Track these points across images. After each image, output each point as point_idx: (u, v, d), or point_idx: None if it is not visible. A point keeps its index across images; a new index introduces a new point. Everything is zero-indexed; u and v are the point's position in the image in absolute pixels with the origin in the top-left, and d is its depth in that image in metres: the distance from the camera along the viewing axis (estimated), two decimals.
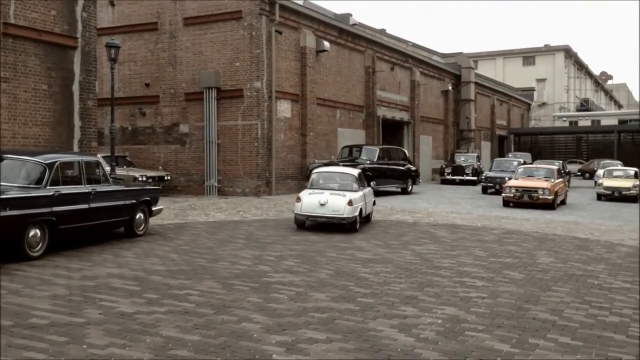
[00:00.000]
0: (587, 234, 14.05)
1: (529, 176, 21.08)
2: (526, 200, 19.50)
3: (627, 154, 44.27)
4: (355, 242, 11.81)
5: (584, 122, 58.95)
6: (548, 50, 68.54)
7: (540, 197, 19.29)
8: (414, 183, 25.37)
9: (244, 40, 21.69)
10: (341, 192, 13.52)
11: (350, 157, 23.62)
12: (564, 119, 60.74)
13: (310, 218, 13.52)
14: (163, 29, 23.23)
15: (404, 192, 24.95)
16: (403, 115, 32.96)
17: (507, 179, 22.98)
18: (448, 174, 32.27)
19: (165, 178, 21.16)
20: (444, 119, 38.88)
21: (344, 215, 13.08)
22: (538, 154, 46.90)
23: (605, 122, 58.41)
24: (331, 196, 13.33)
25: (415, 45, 41.14)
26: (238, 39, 21.80)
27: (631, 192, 22.97)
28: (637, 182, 23.55)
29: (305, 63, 23.93)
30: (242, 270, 8.91)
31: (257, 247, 11.02)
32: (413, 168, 25.69)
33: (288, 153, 23.23)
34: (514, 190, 19.72)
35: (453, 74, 39.92)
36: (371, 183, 19.05)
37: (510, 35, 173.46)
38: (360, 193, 13.96)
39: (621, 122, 56.59)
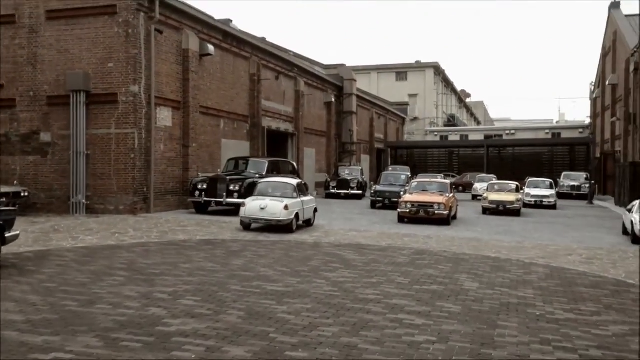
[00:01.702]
0: (495, 252, 13.47)
1: (423, 190, 20.60)
2: (422, 215, 18.91)
3: (494, 168, 46.27)
4: (259, 270, 10.23)
5: (454, 137, 61.36)
6: (419, 66, 70.85)
7: (436, 212, 18.78)
8: None
9: (119, 39, 19.35)
10: (280, 199, 16.01)
11: (236, 170, 21.94)
12: (436, 133, 62.85)
13: (253, 220, 15.92)
14: (22, 22, 20.24)
15: None
16: (288, 127, 31.77)
17: (401, 193, 22.46)
18: (333, 187, 31.46)
19: (22, 194, 18.27)
20: (327, 131, 38.23)
21: (281, 218, 15.57)
22: (414, 168, 47.74)
23: (472, 137, 61.14)
24: (271, 202, 15.79)
25: (297, 55, 40.20)
26: (112, 36, 19.41)
27: (514, 205, 23.30)
28: (520, 196, 23.99)
29: (187, 67, 21.94)
30: (128, 316, 7.04)
31: (143, 280, 9.10)
32: (303, 182, 24.40)
33: (168, 166, 21.07)
34: (409, 206, 19.06)
35: (335, 86, 39.44)
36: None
37: (381, 51, 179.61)
38: (297, 200, 16.45)
39: (487, 137, 59.46)
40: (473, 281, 9.93)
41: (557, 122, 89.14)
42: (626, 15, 43.09)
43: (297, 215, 16.15)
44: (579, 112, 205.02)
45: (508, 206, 23.22)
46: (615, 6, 44.49)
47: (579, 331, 7.05)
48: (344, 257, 11.97)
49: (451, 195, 20.25)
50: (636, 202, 17.15)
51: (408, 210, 19.05)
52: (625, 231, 17.52)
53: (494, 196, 23.73)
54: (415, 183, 21.44)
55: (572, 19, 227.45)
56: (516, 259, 12.56)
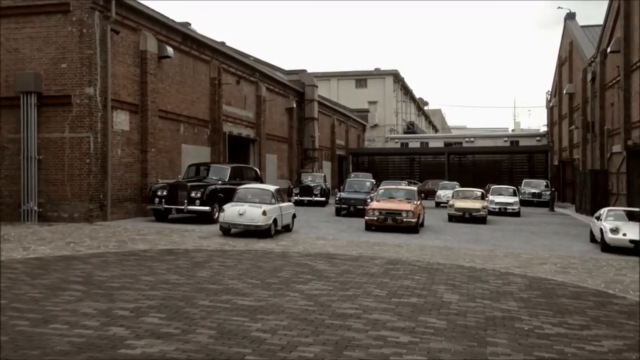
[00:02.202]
0: (468, 261, 13.13)
1: (390, 198, 20.22)
2: (390, 223, 18.51)
3: (455, 175, 46.47)
4: (227, 283, 9.58)
5: (414, 144, 61.55)
6: (379, 74, 70.95)
7: (405, 219, 18.40)
8: None
9: (72, 38, 18.40)
10: (258, 204, 16.28)
11: (197, 176, 21.13)
12: (396, 140, 62.97)
13: (231, 225, 16.14)
14: None
15: None
16: (249, 132, 31.07)
17: (367, 200, 22.05)
18: (296, 194, 30.85)
19: None
20: (289, 137, 37.66)
21: (259, 223, 15.82)
22: (375, 174, 47.59)
23: (432, 144, 61.47)
24: (249, 207, 16.06)
25: (257, 60, 39.57)
26: (65, 36, 18.44)
27: (480, 213, 23.16)
28: (485, 204, 23.89)
29: (145, 69, 21.08)
30: (86, 337, 6.32)
31: (102, 295, 8.35)
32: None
33: (126, 171, 20.14)
34: (377, 213, 18.63)
35: (297, 92, 38.94)
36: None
37: (341, 58, 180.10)
38: (276, 206, 16.77)
39: (446, 144, 59.88)
40: (452, 293, 9.51)
41: (512, 130, 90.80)
42: (582, 26, 43.97)
43: (275, 220, 16.42)
44: (534, 120, 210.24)
45: (474, 213, 23.06)
46: (570, 17, 45.34)
47: (572, 347, 6.67)
48: (315, 268, 11.42)
49: (419, 202, 19.93)
50: (604, 210, 17.16)
51: (376, 218, 18.62)
52: (593, 239, 17.49)
53: (460, 203, 23.55)
54: (382, 190, 21.05)
55: (527, 29, 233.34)
56: (491, 268, 12.23)
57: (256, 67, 31.82)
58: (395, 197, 20.34)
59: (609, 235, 15.22)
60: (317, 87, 41.50)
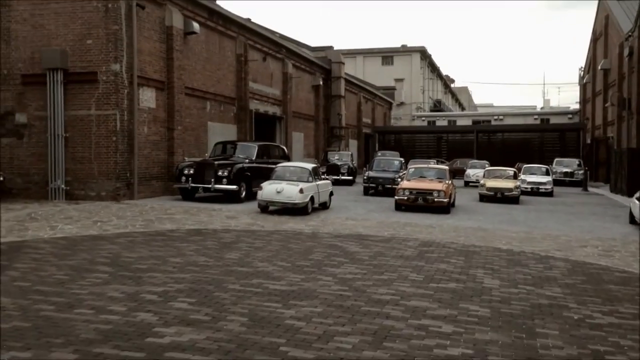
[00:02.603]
0: (505, 244, 12.63)
1: (420, 177, 19.70)
2: (421, 203, 18.03)
3: (484, 153, 45.62)
4: (257, 266, 9.25)
5: (441, 122, 60.59)
6: (405, 50, 69.68)
7: (436, 199, 17.91)
8: None
9: (98, 14, 18.09)
10: (295, 182, 16.63)
11: (224, 154, 20.83)
12: (423, 118, 62.04)
13: (269, 203, 16.49)
14: None
15: None
16: (275, 110, 30.66)
17: (396, 179, 21.56)
18: (323, 173, 30.38)
19: None
20: (315, 115, 37.16)
21: (296, 201, 16.13)
22: (402, 153, 46.95)
23: (460, 122, 60.43)
24: (286, 185, 16.39)
25: (283, 37, 38.97)
26: (90, 11, 18.15)
27: (513, 193, 22.52)
28: (518, 183, 23.21)
29: (171, 46, 20.73)
30: (113, 323, 6.04)
31: (129, 278, 8.09)
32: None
33: (153, 149, 19.93)
34: (407, 193, 18.16)
35: (323, 69, 38.33)
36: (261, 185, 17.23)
37: (366, 35, 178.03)
38: (313, 184, 17.09)
39: (475, 122, 58.80)
40: (492, 278, 9.06)
41: (542, 108, 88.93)
42: (618, 0, 42.40)
43: (312, 198, 16.76)
44: (564, 98, 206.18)
45: (506, 193, 22.43)
46: None
47: (629, 339, 6.20)
48: (347, 250, 11.04)
49: (450, 182, 19.39)
50: None
51: (406, 198, 18.15)
52: (633, 220, 16.80)
53: (492, 183, 22.92)
54: (413, 169, 20.52)
55: (556, 4, 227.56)
56: (530, 251, 11.72)
57: (282, 44, 31.27)
58: (426, 176, 19.81)
59: None
60: (343, 64, 40.82)
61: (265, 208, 16.73)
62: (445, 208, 18.12)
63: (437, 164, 29.24)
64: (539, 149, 48.49)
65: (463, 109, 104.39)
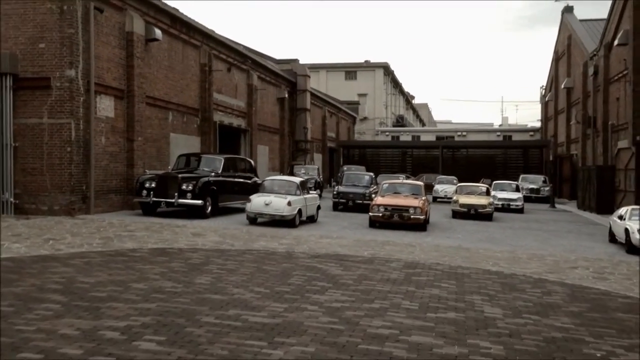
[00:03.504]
0: (493, 265, 11.91)
1: (395, 193, 18.93)
2: (396, 220, 17.25)
3: (448, 169, 45.43)
4: (232, 291, 8.22)
5: (405, 137, 60.36)
6: (369, 66, 69.57)
7: (412, 216, 17.16)
8: None
9: (52, 16, 16.83)
10: (283, 195, 17.01)
11: (188, 167, 19.66)
12: (387, 133, 61.74)
13: (257, 215, 16.94)
14: None
15: None
16: (240, 122, 29.59)
17: (366, 194, 20.76)
18: None
19: None
20: (280, 128, 36.20)
21: (284, 213, 16.53)
22: (367, 168, 46.36)
23: (424, 137, 60.32)
24: (275, 198, 16.80)
25: (247, 48, 37.97)
26: (44, 13, 16.87)
27: (487, 209, 21.99)
28: (491, 200, 22.70)
29: (132, 52, 19.53)
30: None
31: (86, 309, 6.94)
32: (259, 181, 22.35)
33: (111, 161, 18.63)
34: (382, 209, 17.35)
35: (289, 81, 37.47)
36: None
37: (329, 50, 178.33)
38: (301, 197, 17.54)
39: (438, 138, 58.75)
40: (491, 305, 8.25)
41: (500, 125, 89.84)
42: (580, 20, 42.97)
43: (299, 211, 17.10)
44: (521, 116, 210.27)
45: (480, 210, 21.89)
46: (568, 10, 44.33)
47: None
48: (328, 272, 10.09)
49: (425, 198, 18.68)
50: (626, 209, 15.99)
51: (381, 215, 17.34)
52: (612, 239, 16.37)
53: (465, 199, 22.34)
54: (387, 185, 19.73)
55: (511, 25, 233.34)
56: (521, 273, 11.00)
57: (247, 55, 30.29)
58: (400, 192, 19.07)
59: (637, 237, 14.05)
60: (309, 77, 40.11)
61: (254, 220, 17.12)
62: (421, 225, 17.39)
63: (408, 179, 28.62)
64: (503, 165, 48.59)
65: (424, 124, 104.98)
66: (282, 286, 8.77)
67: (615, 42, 27.91)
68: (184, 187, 17.40)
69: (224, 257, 11.20)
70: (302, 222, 17.60)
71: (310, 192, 19.69)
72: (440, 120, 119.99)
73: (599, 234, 18.74)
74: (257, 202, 16.91)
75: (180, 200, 17.36)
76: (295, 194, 17.39)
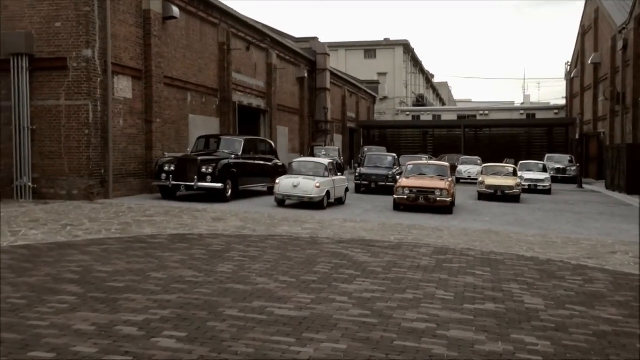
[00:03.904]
0: (526, 250, 11.35)
1: (420, 174, 18.37)
2: (422, 202, 16.71)
3: (471, 149, 44.64)
4: (255, 281, 7.79)
5: (426, 117, 59.45)
6: (388, 44, 68.36)
7: (438, 199, 16.60)
8: None
9: None
10: (312, 177, 17.01)
11: (207, 150, 19.27)
12: (407, 113, 60.86)
13: (286, 197, 16.95)
14: None
15: (271, 191, 21.10)
16: (260, 103, 29.11)
17: (389, 176, 20.22)
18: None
19: None
20: (300, 109, 35.66)
21: (312, 195, 16.52)
22: (388, 148, 45.70)
23: (445, 117, 59.38)
24: (303, 180, 16.78)
25: (265, 26, 37.31)
26: None
27: (514, 191, 21.33)
28: (518, 181, 22.01)
29: (149, 31, 19.08)
30: None
31: (102, 302, 6.57)
32: (280, 163, 21.94)
33: (129, 144, 18.30)
34: (407, 192, 16.82)
35: (308, 60, 36.83)
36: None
37: (346, 28, 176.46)
38: (329, 179, 17.44)
39: (460, 117, 57.79)
40: (531, 295, 7.73)
41: (522, 104, 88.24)
42: None
43: (328, 193, 17.06)
44: (544, 93, 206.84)
45: (507, 191, 21.23)
46: None
47: None
48: (355, 259, 9.63)
49: (451, 179, 18.10)
50: None
51: (406, 197, 16.81)
52: None
53: (492, 180, 21.69)
54: (411, 166, 19.16)
55: (532, 3, 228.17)
56: (558, 259, 10.44)
57: (266, 33, 29.68)
58: (425, 173, 18.50)
59: None
60: (329, 55, 39.42)
61: (282, 202, 17.13)
62: (447, 208, 16.83)
63: (430, 160, 27.98)
64: (527, 144, 47.69)
65: (444, 104, 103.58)
66: (308, 274, 8.33)
67: None
68: (203, 170, 17.01)
69: (246, 243, 10.78)
70: (329, 204, 17.55)
71: (339, 174, 19.52)
72: (460, 99, 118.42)
73: (632, 216, 18.05)
74: (286, 183, 16.86)
75: (200, 184, 16.99)
76: (324, 176, 17.32)
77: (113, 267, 8.31)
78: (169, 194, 17.67)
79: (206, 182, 17.00)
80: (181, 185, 17.22)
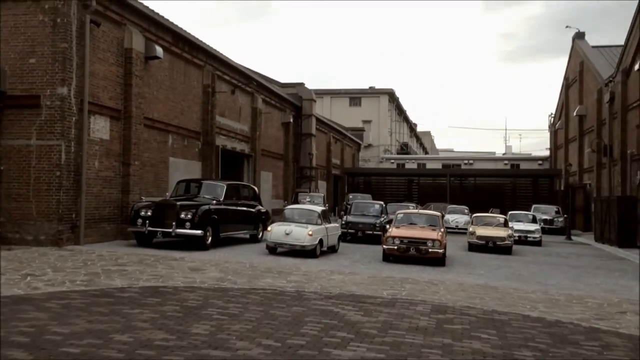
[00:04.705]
0: (530, 308, 10.46)
1: (410, 224, 17.55)
2: (413, 253, 15.83)
3: (456, 198, 44.10)
4: (235, 346, 6.77)
5: (411, 165, 59.13)
6: (373, 92, 68.67)
7: (430, 250, 15.74)
8: (264, 228, 20.63)
9: (44, 29, 15.69)
10: (304, 225, 16.55)
11: (188, 194, 18.33)
12: (392, 161, 60.53)
13: (277, 245, 16.46)
14: None
15: (254, 239, 20.14)
16: (244, 147, 28.34)
17: (377, 225, 19.36)
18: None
19: None
20: (284, 154, 34.95)
21: (305, 244, 16.09)
22: (373, 196, 44.98)
23: (429, 165, 59.11)
24: (295, 227, 16.36)
25: (250, 70, 36.90)
26: (35, 25, 15.72)
27: (506, 242, 20.56)
28: (510, 232, 21.27)
29: (130, 70, 18.35)
30: None
31: None
32: (263, 210, 21.02)
33: (104, 187, 17.30)
34: (398, 242, 15.95)
35: (294, 105, 36.34)
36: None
37: (330, 76, 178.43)
38: (322, 227, 16.99)
39: (445, 166, 57.54)
40: None
41: (504, 154, 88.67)
42: (592, 47, 42.05)
43: (320, 241, 16.59)
44: (524, 144, 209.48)
45: (499, 242, 20.46)
46: (580, 36, 43.44)
47: None
48: (347, 319, 8.65)
49: (443, 229, 17.28)
50: None
51: (396, 247, 15.93)
52: None
53: (482, 231, 20.93)
54: (401, 215, 18.33)
55: (514, 52, 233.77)
56: (567, 320, 9.55)
57: (252, 76, 29.16)
58: (416, 222, 17.69)
59: None
60: (315, 101, 39.04)
61: (274, 250, 16.65)
62: (440, 260, 15.97)
63: (416, 208, 27.24)
64: (512, 194, 47.33)
65: (427, 153, 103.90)
66: (295, 337, 7.34)
67: (636, 67, 26.78)
68: (182, 215, 16.04)
69: (226, 297, 9.76)
70: (323, 252, 17.14)
71: (331, 222, 18.85)
72: (443, 148, 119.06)
73: (630, 271, 17.32)
74: (277, 231, 16.45)
75: (179, 230, 15.99)
76: (317, 224, 16.90)
77: (71, 327, 7.24)
78: (144, 240, 16.61)
79: (185, 228, 16.01)
80: (158, 231, 16.20)
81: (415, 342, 7.47)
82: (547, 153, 57.72)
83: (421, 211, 20.76)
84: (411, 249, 15.82)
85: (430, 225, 17.26)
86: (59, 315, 7.84)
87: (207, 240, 16.52)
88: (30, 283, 10.21)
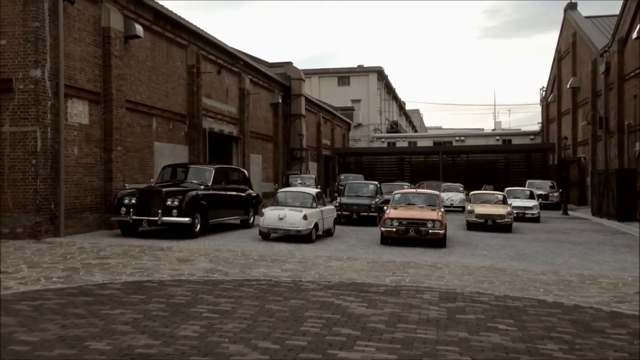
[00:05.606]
0: (543, 292, 9.78)
1: (408, 204, 16.80)
2: (412, 235, 15.11)
3: (449, 175, 43.50)
4: (227, 350, 6.00)
5: (402, 143, 58.33)
6: (362, 71, 67.64)
7: (431, 231, 15.03)
8: (255, 213, 19.83)
9: (14, 8, 14.64)
10: (298, 208, 15.78)
11: (174, 180, 17.46)
12: (382, 140, 59.71)
13: (271, 230, 15.72)
14: None
15: (245, 224, 19.34)
16: (232, 129, 27.40)
17: (372, 206, 18.59)
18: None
19: None
20: (274, 136, 34.01)
21: (300, 228, 15.37)
22: (365, 176, 44.26)
23: (421, 143, 58.32)
24: (289, 212, 15.60)
25: (237, 50, 35.78)
26: (4, 4, 14.69)
27: (505, 220, 19.90)
28: (509, 209, 20.58)
29: (109, 50, 17.33)
30: None
31: None
32: (254, 194, 20.19)
33: (85, 175, 16.38)
34: (396, 223, 15.21)
35: (282, 86, 35.34)
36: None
37: (318, 56, 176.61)
38: (317, 210, 16.24)
39: (436, 143, 56.77)
40: (577, 358, 6.11)
41: (493, 130, 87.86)
42: (585, 17, 41.24)
43: (316, 225, 15.91)
44: (514, 120, 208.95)
45: (498, 221, 19.79)
46: (572, 7, 42.60)
47: None
48: (350, 312, 7.90)
49: (443, 209, 16.54)
50: None
51: (395, 230, 15.19)
52: None
53: (481, 209, 20.23)
54: (399, 195, 17.57)
55: (500, 28, 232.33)
56: (586, 304, 8.86)
57: (239, 56, 28.12)
58: (414, 203, 16.94)
59: None
60: (304, 81, 38.02)
61: (267, 235, 15.93)
62: (440, 241, 15.27)
63: (411, 187, 26.50)
64: (505, 170, 46.78)
65: (416, 131, 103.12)
66: (295, 337, 6.58)
67: (634, 35, 26.00)
68: (168, 202, 15.19)
69: (217, 292, 8.98)
70: (318, 237, 16.39)
71: (327, 204, 18.21)
72: (431, 126, 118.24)
73: (636, 246, 16.71)
74: (271, 216, 15.69)
75: (165, 218, 15.14)
76: (311, 207, 16.13)
77: (41, 334, 6.42)
78: (129, 230, 15.76)
79: (172, 216, 15.17)
80: (143, 220, 15.34)
81: (429, 338, 6.74)
82: (537, 127, 57.12)
83: (419, 190, 19.97)
84: (410, 230, 15.09)
85: (429, 205, 16.53)
86: (29, 320, 7.01)
87: (196, 227, 15.71)
88: (1, 281, 9.36)
